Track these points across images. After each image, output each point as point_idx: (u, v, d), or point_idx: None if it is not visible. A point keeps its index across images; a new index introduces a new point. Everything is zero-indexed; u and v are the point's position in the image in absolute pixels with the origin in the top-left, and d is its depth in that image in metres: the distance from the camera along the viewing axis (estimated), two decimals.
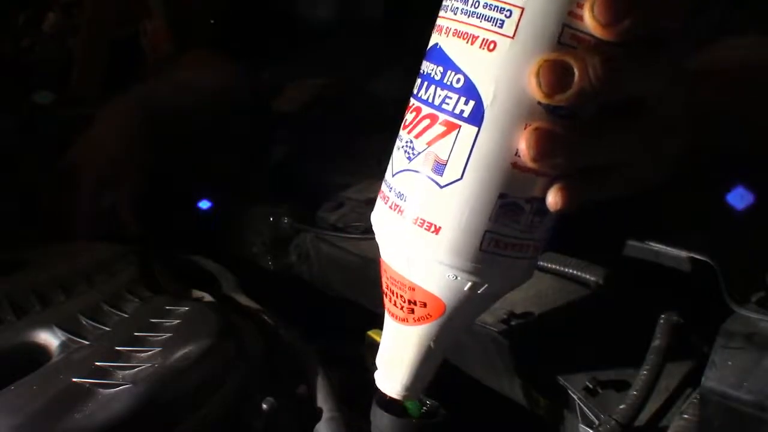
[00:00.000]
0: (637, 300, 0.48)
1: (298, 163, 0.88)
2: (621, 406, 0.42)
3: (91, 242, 0.71)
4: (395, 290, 0.38)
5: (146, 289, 0.58)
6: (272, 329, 0.56)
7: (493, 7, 0.32)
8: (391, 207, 0.37)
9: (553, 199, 0.35)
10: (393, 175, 0.37)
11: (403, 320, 0.39)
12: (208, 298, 0.60)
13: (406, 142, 0.36)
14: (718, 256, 0.42)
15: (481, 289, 0.36)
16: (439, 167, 0.34)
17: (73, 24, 1.18)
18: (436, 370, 0.41)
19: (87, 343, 0.49)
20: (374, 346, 0.52)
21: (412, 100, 0.37)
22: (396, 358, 0.40)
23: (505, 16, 0.32)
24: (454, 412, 0.44)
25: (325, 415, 0.47)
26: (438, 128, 0.34)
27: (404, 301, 0.38)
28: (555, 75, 0.32)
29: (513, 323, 0.49)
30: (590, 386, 0.44)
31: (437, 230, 0.35)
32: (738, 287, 0.41)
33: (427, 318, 0.37)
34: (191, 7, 1.09)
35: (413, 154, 0.35)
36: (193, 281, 0.64)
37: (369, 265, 0.63)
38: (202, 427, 0.44)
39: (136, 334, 0.49)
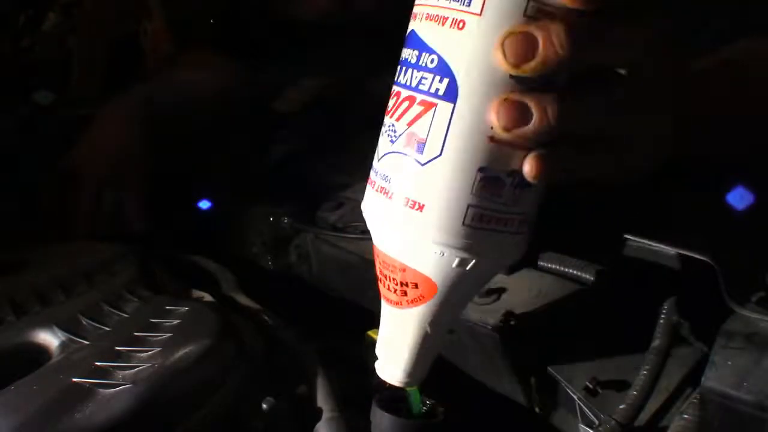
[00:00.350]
0: (637, 300, 0.48)
1: (298, 163, 0.88)
2: (621, 406, 0.42)
3: (91, 242, 0.71)
4: (388, 274, 0.39)
5: (146, 289, 0.58)
6: (272, 329, 0.56)
7: None
8: (378, 190, 0.38)
9: (528, 167, 0.35)
10: (378, 160, 0.38)
11: (398, 303, 0.39)
12: (208, 298, 0.60)
13: (389, 126, 0.37)
14: (718, 256, 0.42)
15: (469, 265, 0.36)
16: (420, 146, 0.35)
17: (73, 24, 1.17)
18: (435, 356, 0.41)
19: (87, 343, 0.49)
20: (374, 346, 0.52)
21: (394, 87, 0.38)
22: (394, 344, 0.40)
23: None
24: (454, 412, 0.44)
25: (325, 415, 0.47)
26: (416, 108, 0.35)
27: (396, 284, 0.38)
28: (519, 46, 0.33)
29: (513, 323, 0.49)
30: (590, 386, 0.44)
31: (421, 208, 0.35)
32: (738, 287, 0.41)
33: (421, 299, 0.38)
34: (191, 7, 1.09)
35: (395, 136, 0.37)
36: (193, 281, 0.64)
37: (369, 265, 0.63)
38: (202, 427, 0.44)
39: (136, 334, 0.49)
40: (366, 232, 0.66)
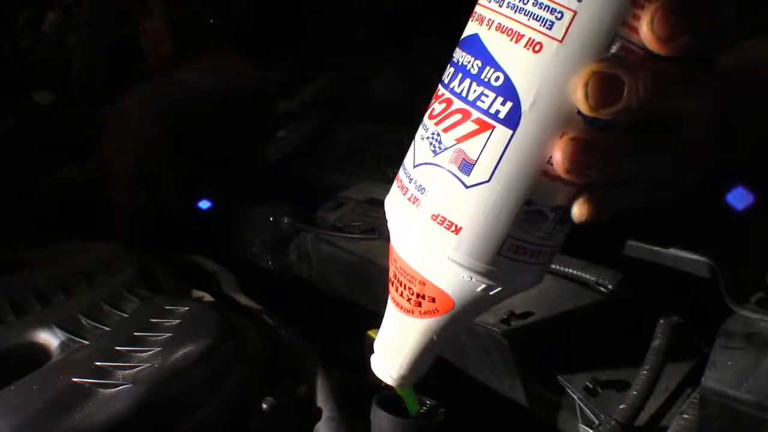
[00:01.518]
0: (637, 300, 0.48)
1: (298, 163, 0.88)
2: (621, 406, 0.42)
3: (91, 242, 0.71)
4: (404, 281, 0.37)
5: (146, 289, 0.58)
6: (272, 329, 0.56)
7: (544, 7, 0.31)
8: (409, 198, 0.36)
9: (578, 210, 0.34)
10: (414, 166, 0.36)
11: (409, 312, 0.38)
12: (208, 298, 0.60)
13: (433, 134, 0.35)
14: (718, 256, 0.42)
15: (493, 291, 0.35)
16: (467, 166, 0.33)
17: (73, 24, 1.18)
18: (433, 360, 0.40)
19: (87, 343, 0.49)
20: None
21: (442, 89, 0.35)
22: (396, 346, 0.40)
23: (556, 17, 0.31)
24: (454, 412, 0.44)
25: (325, 415, 0.47)
26: (470, 125, 0.33)
27: (412, 294, 0.37)
28: (604, 88, 0.31)
29: (513, 323, 0.49)
30: (590, 386, 0.44)
31: (458, 230, 0.34)
32: (738, 287, 0.41)
33: (434, 313, 0.37)
34: (191, 7, 1.09)
35: (440, 148, 0.34)
36: (193, 281, 0.64)
37: (369, 265, 0.63)
38: (202, 427, 0.44)
39: (136, 334, 0.49)
40: (366, 232, 0.67)
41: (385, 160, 0.80)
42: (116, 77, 1.10)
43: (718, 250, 0.43)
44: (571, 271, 0.52)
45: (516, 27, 0.32)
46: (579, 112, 0.32)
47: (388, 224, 0.38)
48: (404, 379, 0.40)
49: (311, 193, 0.78)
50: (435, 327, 0.38)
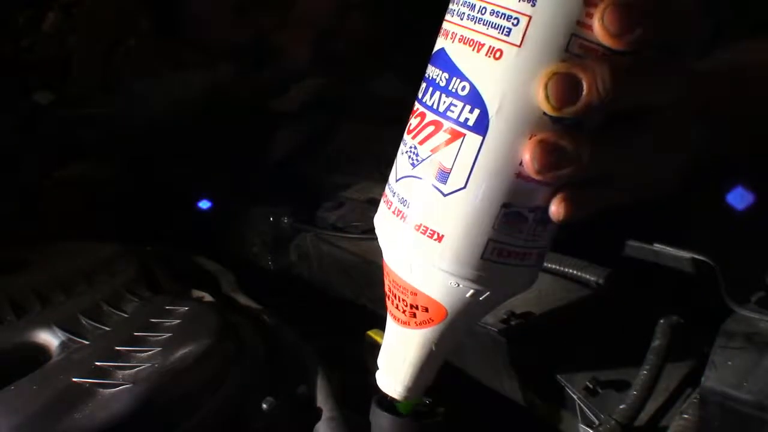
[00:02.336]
0: (637, 300, 0.48)
1: (298, 163, 0.88)
2: (621, 406, 0.42)
3: (91, 242, 0.71)
4: (398, 294, 0.38)
5: (146, 289, 0.58)
6: (272, 329, 0.56)
7: (500, 15, 0.32)
8: (394, 212, 0.37)
9: (556, 209, 0.34)
10: (396, 180, 0.37)
11: (405, 323, 0.39)
12: (208, 298, 0.60)
13: (410, 147, 0.36)
14: (718, 256, 0.42)
15: (483, 296, 0.36)
16: (443, 175, 0.34)
17: (73, 24, 1.17)
18: (438, 371, 0.41)
19: (87, 343, 0.49)
20: (374, 346, 0.52)
21: (417, 105, 0.36)
22: (397, 359, 0.40)
23: (513, 24, 0.31)
24: (454, 412, 0.44)
25: (325, 415, 0.47)
26: (442, 135, 0.34)
27: (406, 305, 0.38)
28: (564, 88, 0.31)
29: (513, 323, 0.49)
30: (590, 386, 0.44)
31: (440, 238, 0.34)
32: (738, 287, 0.41)
33: (429, 322, 0.37)
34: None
35: (417, 160, 0.35)
36: (193, 281, 0.64)
37: (369, 265, 0.63)
38: (202, 427, 0.44)
39: (135, 334, 0.49)
40: (366, 232, 0.67)
41: (385, 160, 0.80)
42: (116, 77, 1.10)
43: (718, 250, 0.43)
44: (571, 271, 0.52)
45: (476, 37, 0.33)
46: (545, 113, 0.32)
47: (379, 240, 0.39)
48: (410, 392, 0.40)
49: (311, 193, 0.78)
50: (432, 336, 0.38)
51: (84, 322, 0.51)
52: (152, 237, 0.77)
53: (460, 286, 0.35)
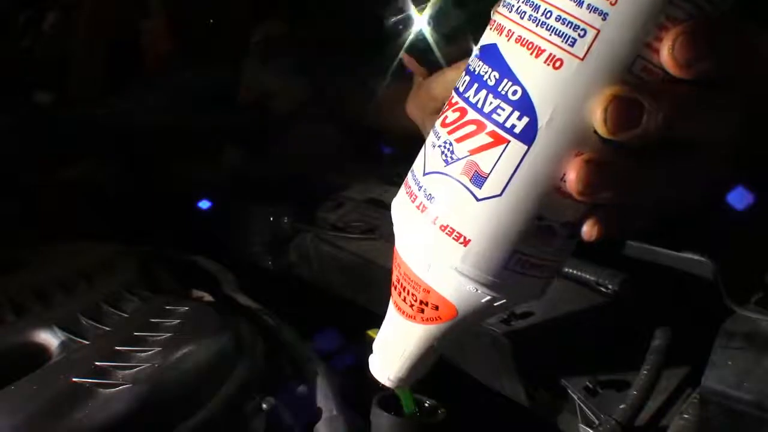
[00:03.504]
0: (637, 300, 0.48)
1: (298, 163, 0.88)
2: (621, 406, 0.42)
3: (91, 242, 0.71)
4: (407, 287, 0.37)
5: (146, 289, 0.58)
6: (272, 329, 0.56)
7: (566, 23, 0.30)
8: (418, 206, 0.35)
9: (589, 230, 0.33)
10: (425, 174, 0.35)
11: (411, 317, 0.38)
12: (208, 298, 0.60)
13: (445, 142, 0.34)
14: (718, 256, 0.42)
15: (497, 303, 0.35)
16: (479, 179, 0.32)
17: (73, 24, 1.17)
18: (431, 365, 0.40)
19: (87, 342, 0.49)
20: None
21: (457, 97, 0.34)
22: (395, 349, 0.40)
23: (579, 35, 0.30)
24: (454, 412, 0.44)
25: (325, 415, 0.47)
26: (484, 138, 0.32)
27: (415, 300, 0.37)
28: (624, 113, 0.30)
29: (513, 323, 0.49)
30: (590, 386, 0.44)
31: (466, 242, 0.33)
32: (738, 287, 0.41)
33: (436, 320, 0.37)
34: (191, 7, 1.09)
35: (451, 158, 0.34)
36: (193, 281, 0.64)
37: (369, 265, 0.63)
38: (202, 427, 0.44)
39: (136, 333, 0.49)
40: (366, 232, 0.67)
41: (386, 160, 0.80)
42: (116, 77, 1.10)
43: (718, 250, 0.43)
44: (571, 271, 0.52)
45: (537, 41, 0.31)
46: (595, 131, 0.31)
47: (394, 228, 0.38)
48: (401, 382, 0.40)
49: (311, 193, 0.78)
50: (436, 333, 0.38)
51: (84, 322, 0.51)
52: (152, 237, 0.77)
53: (478, 291, 0.34)
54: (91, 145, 0.87)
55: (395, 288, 0.39)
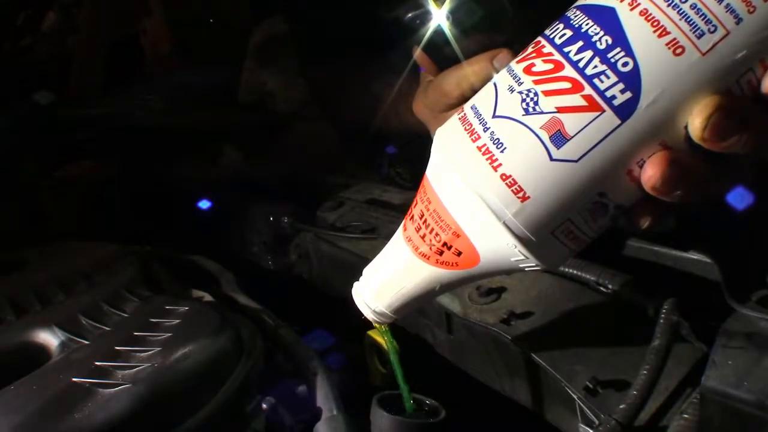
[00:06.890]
0: (637, 300, 0.48)
1: (298, 163, 0.88)
2: (621, 406, 0.42)
3: (91, 242, 0.71)
4: (432, 226, 0.35)
5: (146, 289, 0.58)
6: (272, 329, 0.56)
7: (701, 14, 0.29)
8: (480, 147, 0.33)
9: (642, 219, 0.34)
10: (494, 116, 0.33)
11: (424, 256, 0.36)
12: (208, 297, 0.60)
13: (529, 90, 0.32)
14: (719, 255, 0.42)
15: (523, 264, 0.34)
16: (560, 139, 0.31)
17: (73, 24, 1.17)
18: (419, 306, 0.39)
19: (87, 342, 0.49)
20: (374, 347, 0.52)
21: (550, 47, 0.33)
22: (393, 284, 0.38)
23: (708, 30, 0.29)
24: (454, 412, 0.44)
25: (325, 414, 0.47)
26: (577, 99, 0.31)
27: (438, 241, 0.35)
28: (725, 126, 0.30)
29: (513, 323, 0.49)
30: (590, 386, 0.44)
31: (524, 198, 0.32)
32: (738, 287, 0.41)
33: (452, 266, 0.35)
34: (191, 7, 1.09)
35: (534, 109, 0.32)
36: (193, 281, 0.64)
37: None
38: (202, 427, 0.44)
39: (135, 333, 0.49)
40: (366, 232, 0.67)
41: (386, 160, 0.80)
42: (116, 77, 1.10)
43: (718, 250, 0.43)
44: (571, 271, 0.52)
45: (664, 21, 0.30)
46: (686, 127, 0.31)
47: (433, 158, 0.36)
48: (384, 318, 0.39)
49: (311, 193, 0.78)
50: (445, 279, 0.36)
51: (84, 322, 0.51)
52: (152, 237, 0.77)
53: (515, 248, 0.33)
54: (91, 145, 0.87)
55: (413, 221, 0.36)
